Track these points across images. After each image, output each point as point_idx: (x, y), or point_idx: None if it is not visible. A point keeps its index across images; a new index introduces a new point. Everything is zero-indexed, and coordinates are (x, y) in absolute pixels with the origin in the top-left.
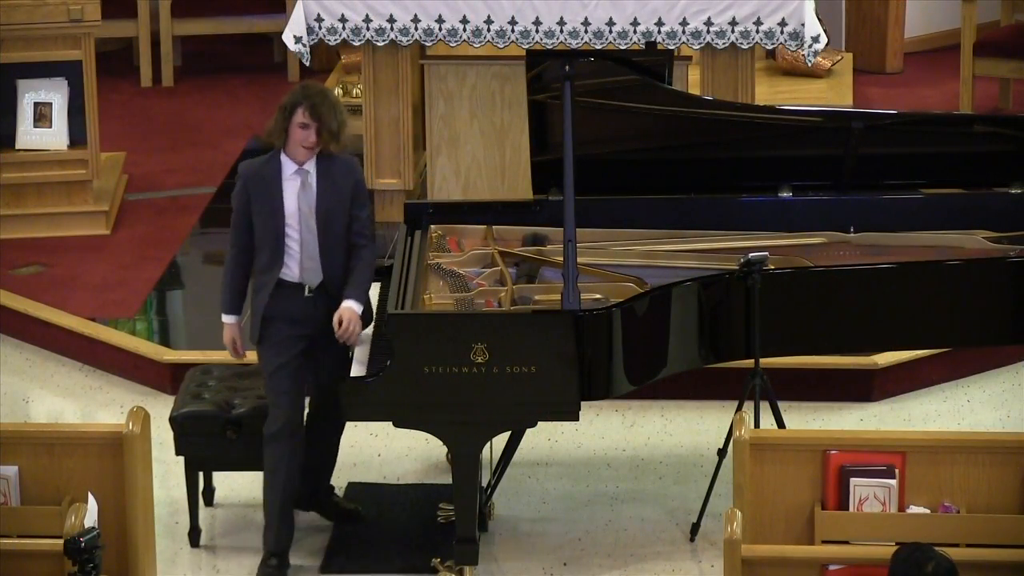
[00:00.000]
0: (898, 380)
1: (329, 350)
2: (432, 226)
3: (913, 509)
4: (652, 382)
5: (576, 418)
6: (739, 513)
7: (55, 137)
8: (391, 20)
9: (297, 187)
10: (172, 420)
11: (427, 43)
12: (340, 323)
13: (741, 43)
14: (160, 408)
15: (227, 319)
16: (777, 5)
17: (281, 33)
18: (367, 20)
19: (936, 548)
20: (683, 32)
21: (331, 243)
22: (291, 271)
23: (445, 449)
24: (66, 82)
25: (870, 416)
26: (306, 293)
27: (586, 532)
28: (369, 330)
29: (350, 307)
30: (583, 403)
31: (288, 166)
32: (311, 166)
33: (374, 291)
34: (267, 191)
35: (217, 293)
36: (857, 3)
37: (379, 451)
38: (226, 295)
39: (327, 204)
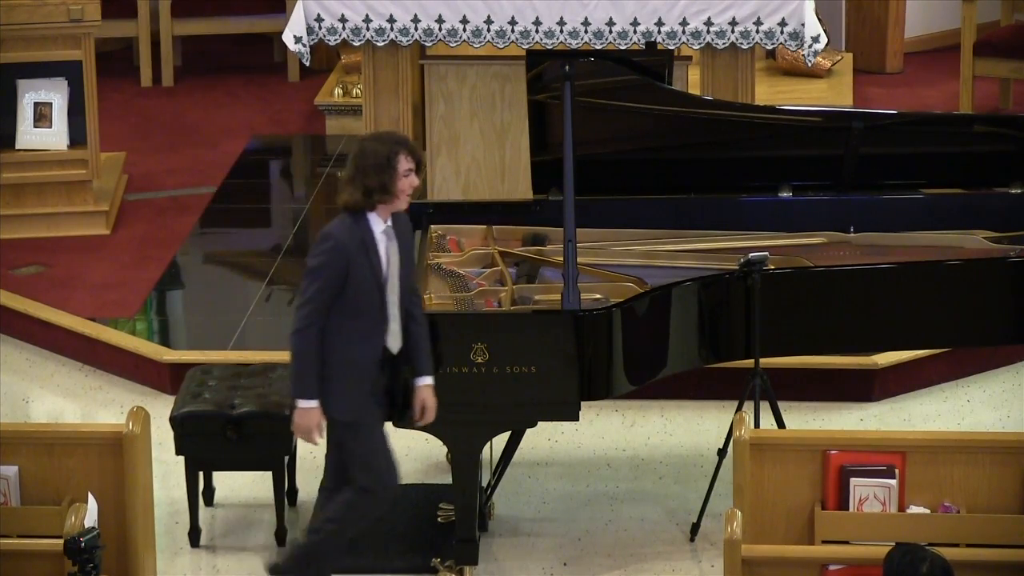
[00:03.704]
0: (898, 380)
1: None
2: (432, 226)
3: (913, 509)
4: (652, 382)
5: (576, 418)
6: (739, 513)
7: (55, 137)
8: (391, 20)
9: (387, 246)
10: (172, 420)
11: (427, 43)
12: (423, 410)
13: (741, 43)
14: (160, 408)
15: (309, 404)
16: (777, 5)
17: (281, 33)
18: (367, 20)
19: (931, 548)
20: (683, 32)
21: (403, 303)
22: (390, 338)
23: (445, 449)
24: (66, 82)
25: (870, 416)
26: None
27: (586, 532)
28: None
29: (429, 386)
30: (583, 403)
31: (377, 224)
32: (390, 221)
33: None
34: (366, 255)
35: (218, 293)
36: (857, 3)
37: None
38: (310, 378)
39: (405, 262)
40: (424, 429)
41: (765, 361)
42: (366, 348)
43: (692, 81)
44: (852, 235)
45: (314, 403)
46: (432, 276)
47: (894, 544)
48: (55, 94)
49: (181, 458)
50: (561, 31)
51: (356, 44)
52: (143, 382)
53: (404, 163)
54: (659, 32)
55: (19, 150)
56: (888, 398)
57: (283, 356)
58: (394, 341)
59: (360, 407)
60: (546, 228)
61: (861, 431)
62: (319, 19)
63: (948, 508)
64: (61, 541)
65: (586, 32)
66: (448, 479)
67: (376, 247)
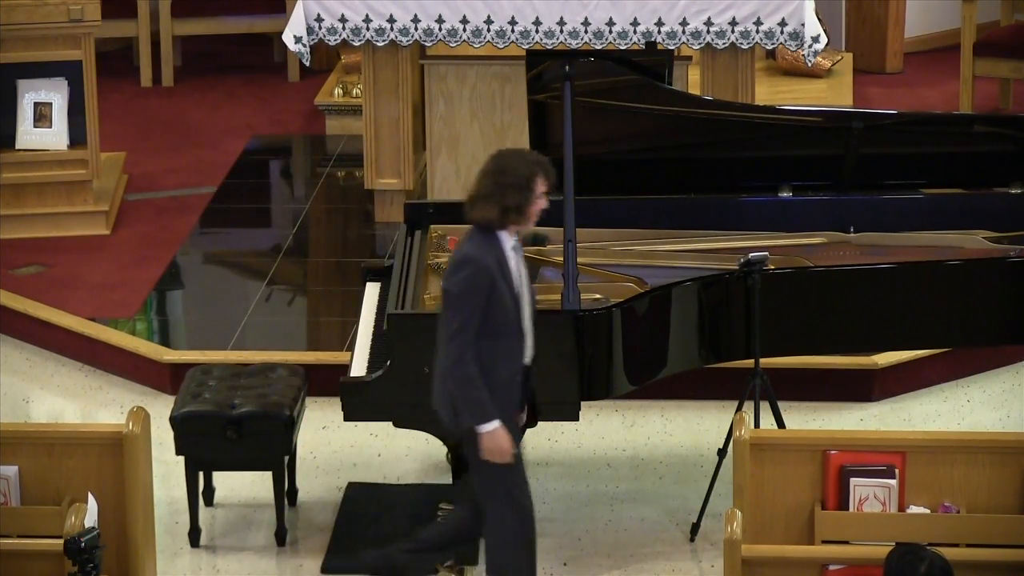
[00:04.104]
0: (898, 380)
1: None
2: (432, 226)
3: (913, 509)
4: (652, 382)
5: (576, 418)
6: (739, 513)
7: (55, 137)
8: (391, 20)
9: (516, 262)
10: (172, 420)
11: (427, 43)
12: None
13: (741, 43)
14: (160, 408)
15: (493, 426)
16: (777, 5)
17: (281, 33)
18: (367, 20)
19: (931, 547)
20: (683, 32)
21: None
22: (527, 352)
23: (445, 449)
24: (66, 82)
25: (870, 416)
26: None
27: (586, 532)
28: None
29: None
30: (583, 403)
31: (507, 242)
32: (517, 237)
33: (374, 291)
34: (504, 275)
35: (218, 293)
36: (857, 3)
37: (379, 451)
38: (485, 401)
39: (528, 275)
40: (424, 429)
41: (765, 361)
42: (509, 365)
43: (692, 81)
44: (852, 235)
45: (497, 423)
46: (432, 276)
47: (895, 544)
48: (55, 94)
49: (181, 458)
50: (561, 31)
51: (356, 44)
52: (143, 382)
53: (541, 185)
54: (659, 32)
55: (19, 150)
56: (888, 398)
57: (283, 356)
58: (529, 355)
59: (509, 427)
60: (546, 228)
61: (861, 431)
62: (319, 19)
63: (948, 508)
64: (61, 541)
65: (586, 32)
66: (448, 479)
67: (508, 264)
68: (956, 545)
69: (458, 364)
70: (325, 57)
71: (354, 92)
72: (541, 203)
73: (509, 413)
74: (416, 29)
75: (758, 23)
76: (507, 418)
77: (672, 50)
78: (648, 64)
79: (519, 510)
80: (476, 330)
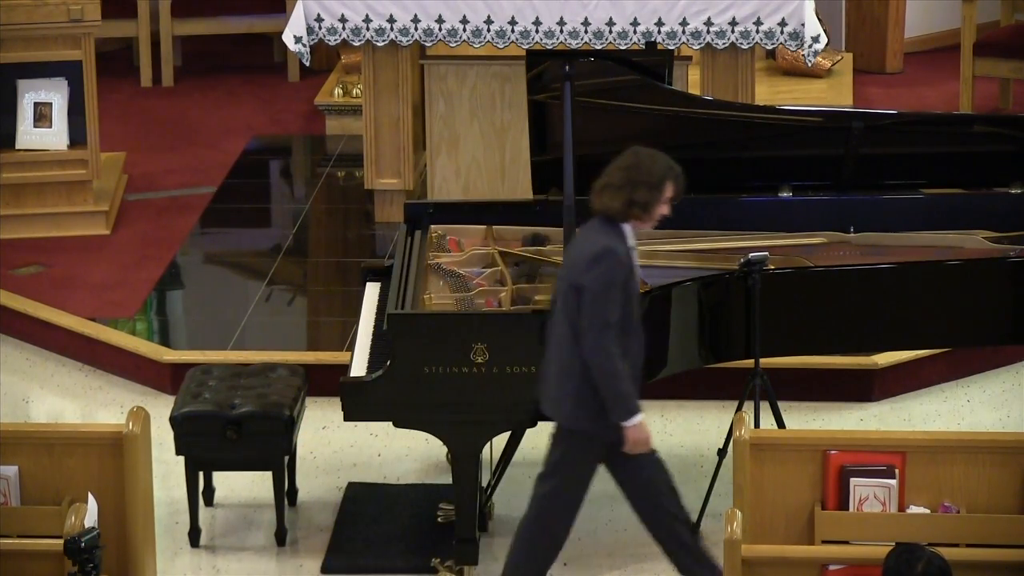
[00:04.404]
0: (898, 380)
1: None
2: (432, 226)
3: (913, 509)
4: (652, 382)
5: None
6: (739, 513)
7: (55, 137)
8: (391, 20)
9: (634, 258)
10: (172, 420)
11: (427, 43)
12: None
13: (741, 43)
14: (160, 408)
15: (638, 419)
16: (777, 5)
17: (281, 33)
18: (367, 20)
19: (930, 547)
20: (683, 32)
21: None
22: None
23: (445, 449)
24: (66, 82)
25: (870, 416)
26: None
27: (586, 532)
28: None
29: None
30: None
31: (630, 237)
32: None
33: (374, 291)
34: (632, 270)
35: (218, 293)
36: (857, 3)
37: (379, 451)
38: (632, 395)
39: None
40: (424, 429)
41: (765, 361)
42: (635, 359)
43: (692, 81)
44: (852, 235)
45: (642, 415)
46: (432, 276)
47: (894, 544)
48: (55, 94)
49: (181, 458)
50: (561, 31)
51: (356, 44)
52: (143, 382)
53: (669, 190)
54: (659, 32)
55: (19, 150)
56: (888, 398)
57: (283, 356)
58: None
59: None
60: (546, 228)
61: (861, 431)
62: (319, 19)
63: (948, 508)
64: (61, 541)
65: (586, 32)
66: (448, 479)
67: (632, 258)
68: (956, 545)
69: (607, 359)
70: (325, 57)
71: (354, 92)
72: (664, 208)
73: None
74: (416, 29)
75: (758, 23)
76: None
77: (672, 50)
78: (648, 64)
79: (565, 525)
80: (619, 324)
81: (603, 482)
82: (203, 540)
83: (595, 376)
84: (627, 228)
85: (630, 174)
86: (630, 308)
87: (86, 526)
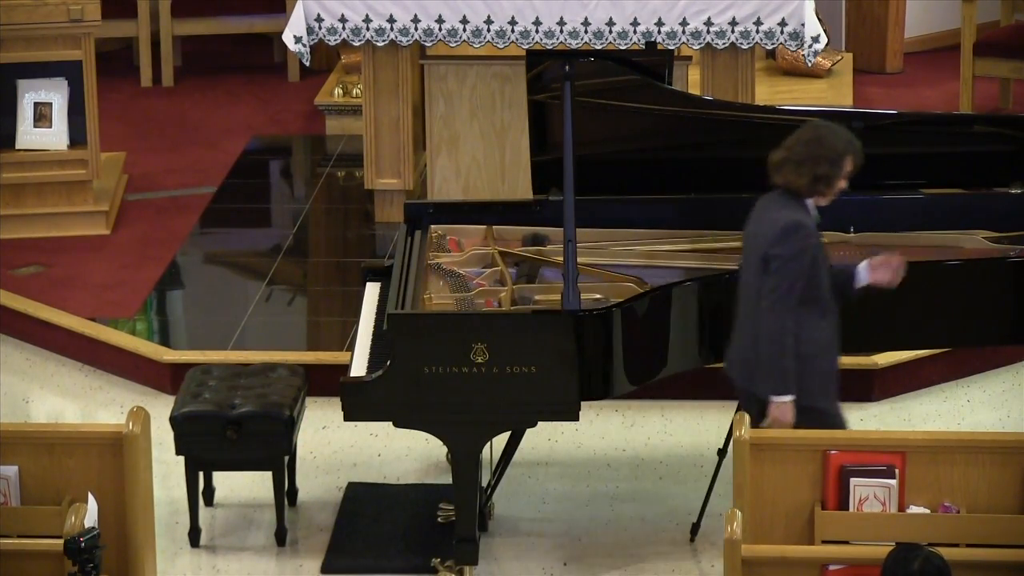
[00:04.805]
0: (898, 380)
1: None
2: (432, 226)
3: (913, 509)
4: (652, 382)
5: (576, 418)
6: (739, 513)
7: (55, 137)
8: (391, 20)
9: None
10: (172, 420)
11: (427, 43)
12: None
13: (741, 43)
14: (160, 408)
15: (789, 398)
16: (777, 5)
17: (281, 33)
18: (367, 20)
19: (929, 547)
20: (683, 32)
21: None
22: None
23: (445, 449)
24: (66, 82)
25: (870, 416)
26: None
27: (586, 532)
28: None
29: None
30: (583, 403)
31: (812, 210)
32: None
33: (374, 291)
34: (822, 244)
35: (218, 293)
36: (857, 3)
37: (379, 451)
38: (791, 372)
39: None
40: (424, 429)
41: None
42: (828, 330)
43: (692, 81)
44: (852, 235)
45: (791, 396)
46: (432, 276)
47: (894, 544)
48: (55, 94)
49: (181, 458)
50: (561, 31)
51: (356, 44)
52: (143, 382)
53: (848, 165)
54: (659, 32)
55: (19, 150)
56: (888, 398)
57: (283, 356)
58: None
59: (833, 392)
60: (546, 228)
61: (861, 431)
62: (319, 19)
63: (948, 508)
64: (61, 541)
65: (586, 32)
66: (448, 479)
67: (818, 232)
68: (956, 545)
69: (779, 331)
70: (325, 57)
71: (354, 92)
72: (843, 184)
73: (833, 379)
74: (416, 29)
75: (758, 23)
76: (830, 385)
77: (672, 50)
78: (648, 64)
79: None
80: (799, 297)
81: (603, 482)
82: (203, 540)
83: (762, 343)
84: (810, 203)
85: (811, 148)
86: (820, 280)
87: (86, 526)
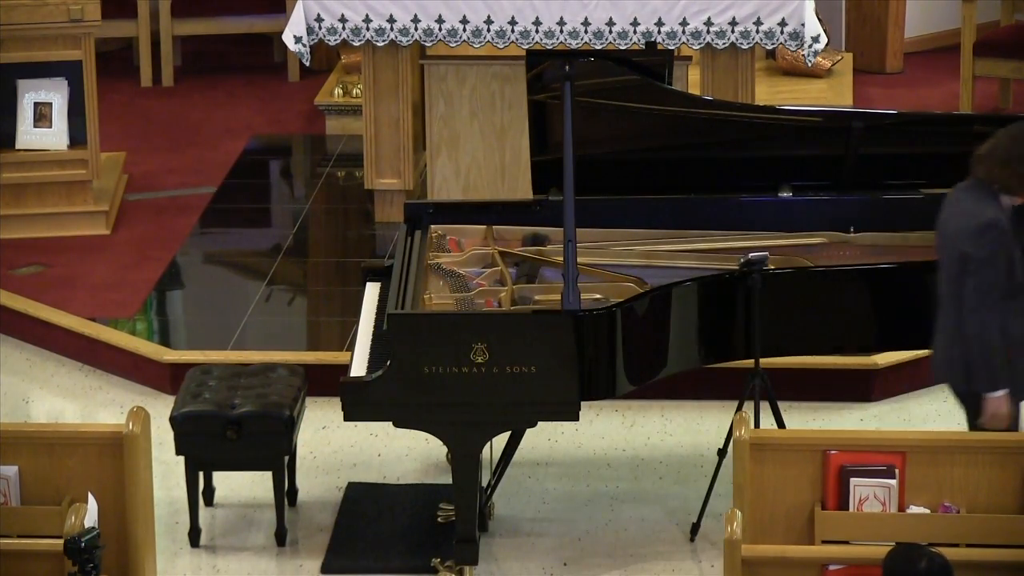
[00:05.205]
0: (898, 380)
1: None
2: (432, 226)
3: (913, 509)
4: (652, 382)
5: (576, 418)
6: (739, 513)
7: (55, 137)
8: (391, 20)
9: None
10: (172, 420)
11: (427, 43)
12: None
13: (741, 43)
14: (160, 408)
15: (1003, 392)
16: (777, 5)
17: (281, 33)
18: (367, 20)
19: (931, 547)
20: (683, 32)
21: None
22: None
23: (445, 449)
24: (66, 82)
25: (870, 416)
26: None
27: (586, 532)
28: None
29: None
30: (583, 403)
31: (1006, 209)
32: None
33: (374, 291)
34: (1012, 238)
35: (218, 293)
36: (857, 3)
37: (379, 451)
38: (1001, 365)
39: None
40: (424, 429)
41: (765, 361)
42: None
43: (692, 81)
44: (852, 235)
45: (1005, 391)
46: (432, 276)
47: (895, 544)
48: (55, 94)
49: (181, 458)
50: (561, 31)
51: (356, 44)
52: (143, 382)
53: None
54: (659, 32)
55: (19, 150)
56: (888, 398)
57: (283, 356)
58: None
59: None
60: (546, 228)
61: (861, 431)
62: (319, 19)
63: (948, 508)
64: (61, 541)
65: (586, 32)
66: (448, 479)
67: (1010, 228)
68: (956, 545)
69: (984, 329)
70: (325, 57)
71: (354, 92)
72: None
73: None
74: (416, 29)
75: (758, 23)
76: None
77: (672, 50)
78: (648, 64)
79: None
80: (1008, 289)
81: (603, 481)
82: (203, 540)
83: (969, 342)
84: (1006, 199)
85: (1020, 147)
86: (1017, 274)
87: (86, 526)
